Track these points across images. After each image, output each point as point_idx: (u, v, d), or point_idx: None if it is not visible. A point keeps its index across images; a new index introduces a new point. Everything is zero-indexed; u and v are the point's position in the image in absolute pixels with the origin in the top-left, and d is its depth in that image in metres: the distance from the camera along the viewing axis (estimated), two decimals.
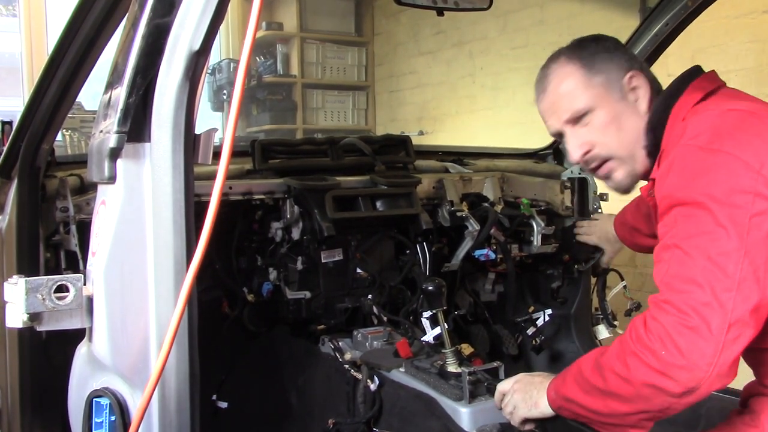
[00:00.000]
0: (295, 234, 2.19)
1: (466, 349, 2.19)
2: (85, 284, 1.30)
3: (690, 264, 1.32)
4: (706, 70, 1.64)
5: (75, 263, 1.90)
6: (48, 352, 1.87)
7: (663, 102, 1.59)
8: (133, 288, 1.24)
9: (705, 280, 1.29)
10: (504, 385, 1.69)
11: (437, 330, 2.02)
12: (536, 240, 2.48)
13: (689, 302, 1.29)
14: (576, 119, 1.62)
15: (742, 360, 1.42)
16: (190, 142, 1.21)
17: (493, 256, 2.40)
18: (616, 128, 1.60)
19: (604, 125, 1.60)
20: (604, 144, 1.61)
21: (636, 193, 1.71)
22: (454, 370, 1.90)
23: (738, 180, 1.33)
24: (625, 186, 1.66)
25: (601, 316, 2.61)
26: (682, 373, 1.29)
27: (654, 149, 1.58)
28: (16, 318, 1.24)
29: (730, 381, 1.33)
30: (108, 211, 1.30)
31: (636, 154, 1.61)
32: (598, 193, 2.60)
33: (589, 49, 1.65)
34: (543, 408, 1.57)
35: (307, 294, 2.24)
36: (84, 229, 1.75)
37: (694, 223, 1.34)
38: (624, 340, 1.38)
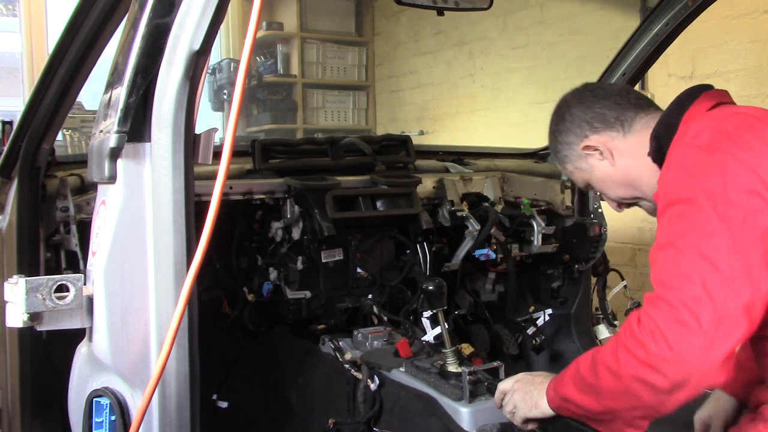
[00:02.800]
0: (296, 234, 2.20)
1: (467, 348, 2.19)
2: (85, 284, 1.30)
3: (682, 260, 1.33)
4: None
5: (75, 263, 1.90)
6: (48, 352, 1.87)
7: (674, 110, 1.60)
8: (133, 288, 1.25)
9: (697, 276, 1.30)
10: (504, 385, 1.70)
11: (437, 330, 2.02)
12: (536, 240, 2.48)
13: (680, 297, 1.30)
14: (587, 188, 1.80)
15: None
16: (191, 142, 1.21)
17: (493, 255, 2.40)
18: (612, 183, 1.70)
19: (605, 187, 1.73)
20: (616, 195, 1.72)
21: None
22: (455, 370, 1.90)
23: (733, 178, 1.35)
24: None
25: (602, 316, 2.62)
26: (670, 366, 1.29)
27: (658, 156, 1.58)
28: (16, 318, 1.24)
29: (723, 381, 1.32)
30: (108, 211, 1.30)
31: (643, 186, 1.66)
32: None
33: (551, 145, 1.79)
34: (543, 408, 1.57)
35: (308, 294, 2.24)
36: (84, 229, 1.75)
37: (687, 220, 1.36)
38: (618, 336, 1.39)
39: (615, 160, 1.66)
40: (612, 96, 1.68)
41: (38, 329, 1.27)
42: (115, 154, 1.21)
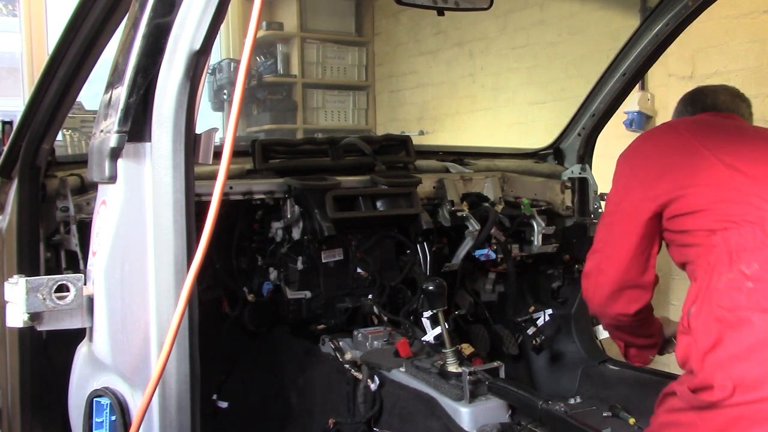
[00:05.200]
0: (296, 234, 2.19)
1: (467, 349, 2.19)
2: (85, 284, 1.30)
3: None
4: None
5: (75, 263, 1.90)
6: (48, 352, 1.87)
7: None
8: (134, 288, 1.24)
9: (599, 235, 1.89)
10: None
11: (437, 330, 2.02)
12: (537, 240, 2.48)
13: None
14: None
15: None
16: (191, 142, 1.21)
17: (493, 255, 2.40)
18: None
19: None
20: None
21: None
22: (455, 370, 1.90)
23: (628, 191, 1.79)
24: None
25: None
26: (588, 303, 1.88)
27: None
28: (16, 318, 1.24)
29: (621, 310, 1.80)
30: (108, 211, 1.30)
31: None
32: (598, 193, 2.61)
33: None
34: None
35: (308, 294, 2.24)
36: (84, 229, 1.75)
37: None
38: None
39: None
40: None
41: (38, 329, 1.27)
42: (115, 154, 1.21)
